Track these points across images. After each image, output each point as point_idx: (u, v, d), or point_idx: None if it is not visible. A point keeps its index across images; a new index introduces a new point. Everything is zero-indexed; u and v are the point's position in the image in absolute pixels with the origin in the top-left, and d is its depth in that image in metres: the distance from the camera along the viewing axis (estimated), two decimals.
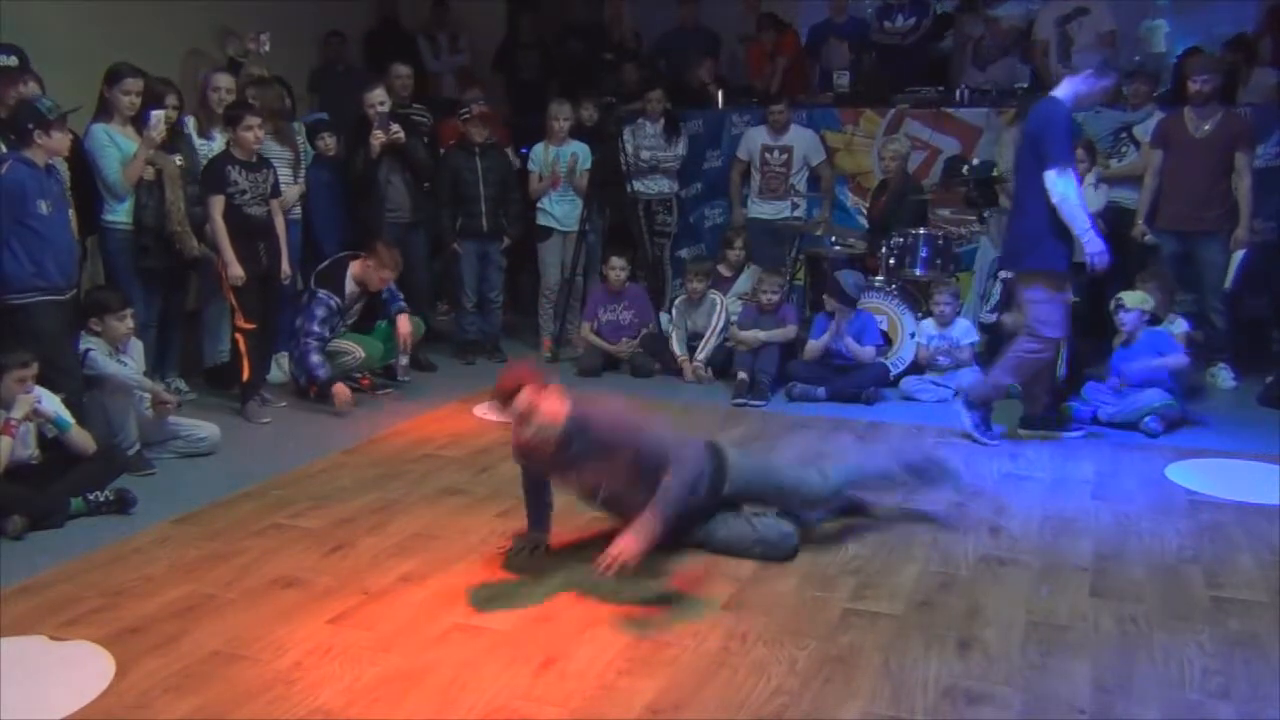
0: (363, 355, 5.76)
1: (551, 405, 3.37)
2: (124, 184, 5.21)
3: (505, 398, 3.36)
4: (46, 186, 4.44)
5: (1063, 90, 4.78)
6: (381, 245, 5.87)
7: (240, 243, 5.30)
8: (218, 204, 5.27)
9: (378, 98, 6.25)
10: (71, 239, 4.68)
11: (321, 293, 5.70)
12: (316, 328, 5.62)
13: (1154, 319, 5.43)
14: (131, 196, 5.28)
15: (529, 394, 3.33)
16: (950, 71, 7.89)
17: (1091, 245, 4.71)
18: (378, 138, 6.17)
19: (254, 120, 5.35)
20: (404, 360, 5.97)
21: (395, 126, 6.23)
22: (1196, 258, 6.05)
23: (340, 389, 5.56)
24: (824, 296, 6.00)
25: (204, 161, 5.69)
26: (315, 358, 5.60)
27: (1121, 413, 5.22)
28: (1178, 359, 5.26)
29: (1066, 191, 4.66)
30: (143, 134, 5.23)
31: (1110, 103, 6.74)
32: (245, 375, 5.45)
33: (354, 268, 5.80)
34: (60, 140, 4.50)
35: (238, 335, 5.44)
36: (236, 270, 5.27)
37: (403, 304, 5.97)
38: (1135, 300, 5.34)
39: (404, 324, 5.89)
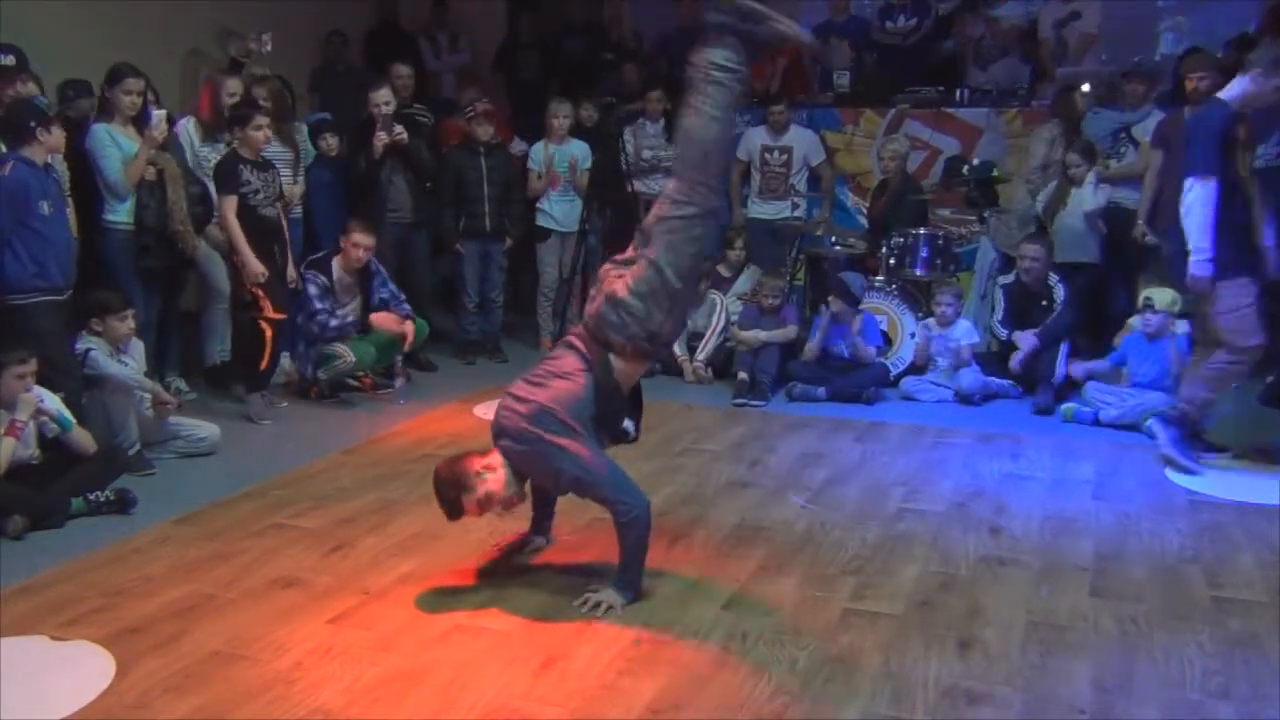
0: (354, 360, 5.72)
1: (491, 486, 3.22)
2: (125, 184, 5.21)
3: (454, 510, 3.25)
4: (47, 186, 4.45)
5: (1231, 90, 4.52)
6: (353, 220, 5.88)
7: (255, 243, 5.27)
8: (231, 204, 5.23)
9: (383, 98, 6.24)
10: (70, 237, 4.69)
11: (308, 273, 5.73)
12: (318, 304, 5.66)
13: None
14: (133, 196, 5.28)
15: (469, 502, 3.22)
16: (957, 72, 7.88)
17: (1198, 269, 4.46)
18: (380, 139, 6.17)
19: (263, 120, 5.34)
20: (399, 382, 5.97)
21: (399, 128, 6.23)
22: None
23: (341, 349, 5.68)
24: (830, 298, 5.98)
25: (203, 163, 5.69)
26: (323, 317, 5.67)
27: (1124, 416, 5.23)
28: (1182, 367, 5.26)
29: (1194, 203, 4.46)
30: (144, 134, 5.23)
31: (1109, 102, 6.74)
32: (264, 363, 5.46)
33: (338, 258, 5.80)
34: (59, 137, 4.52)
35: (264, 324, 5.39)
36: (257, 267, 5.25)
37: (407, 309, 5.93)
38: (1165, 302, 5.31)
39: (409, 326, 5.89)
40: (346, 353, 5.73)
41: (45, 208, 4.39)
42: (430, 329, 6.46)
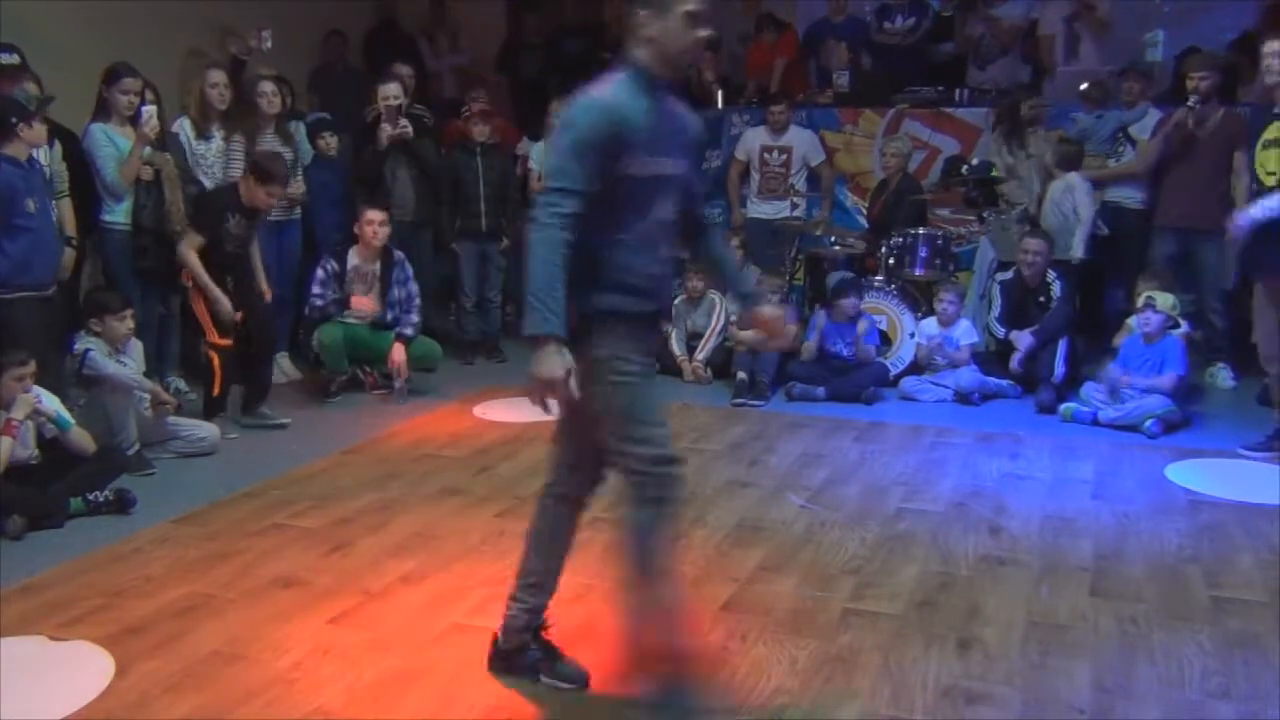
0: (369, 314, 5.81)
1: None
2: (121, 183, 5.21)
3: None
4: (32, 183, 4.43)
5: None
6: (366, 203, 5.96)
7: (210, 275, 5.10)
8: (195, 243, 5.04)
9: (393, 91, 6.28)
10: (54, 236, 4.65)
11: (322, 259, 5.78)
12: (316, 288, 5.72)
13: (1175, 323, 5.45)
14: (130, 197, 5.27)
15: None
16: (956, 72, 7.89)
17: None
18: (385, 130, 6.20)
19: (277, 189, 5.23)
20: (398, 384, 5.86)
21: (404, 121, 6.26)
22: (1195, 258, 6.06)
23: (359, 300, 5.75)
24: (841, 302, 5.97)
25: (199, 160, 5.67)
26: (319, 300, 5.76)
27: (1123, 417, 5.23)
28: (1173, 380, 5.26)
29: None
30: (136, 131, 5.23)
31: (1100, 103, 6.76)
32: (216, 389, 5.24)
33: (357, 245, 5.86)
34: (39, 131, 4.49)
35: (211, 352, 5.21)
36: (228, 307, 5.07)
37: (408, 330, 5.85)
38: (1166, 304, 5.34)
39: (398, 352, 5.77)
40: (367, 307, 5.80)
41: (31, 205, 4.37)
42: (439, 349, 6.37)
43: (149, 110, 5.24)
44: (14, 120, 4.36)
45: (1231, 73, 6.61)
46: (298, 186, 6.10)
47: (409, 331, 5.85)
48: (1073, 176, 6.27)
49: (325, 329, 5.75)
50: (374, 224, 5.76)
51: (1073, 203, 6.20)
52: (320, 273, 5.73)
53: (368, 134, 6.39)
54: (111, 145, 5.22)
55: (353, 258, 5.80)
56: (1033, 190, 6.59)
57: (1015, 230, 6.53)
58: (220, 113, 5.80)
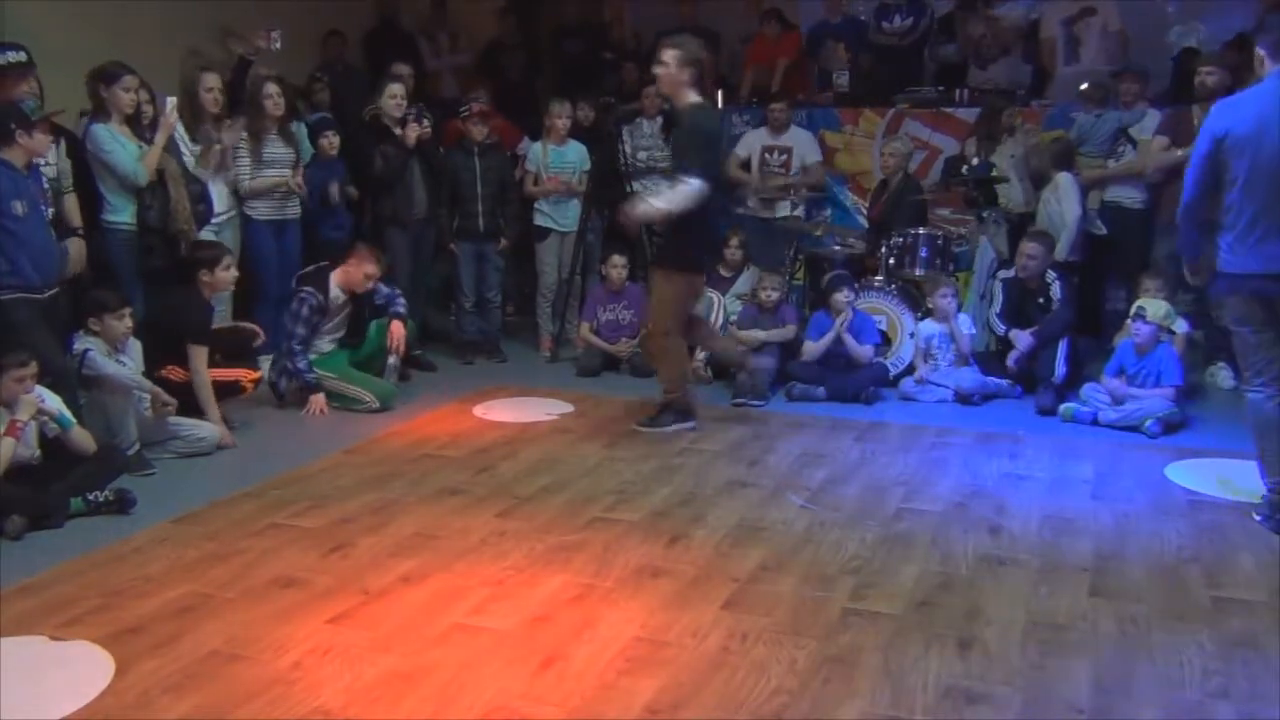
0: (377, 404, 5.60)
1: None
2: (145, 172, 5.16)
3: None
4: (23, 187, 4.40)
5: None
6: (362, 244, 5.85)
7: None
8: (201, 354, 5.00)
9: (400, 91, 6.31)
10: (50, 240, 4.61)
11: (303, 290, 5.61)
12: (300, 329, 5.55)
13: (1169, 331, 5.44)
14: (134, 199, 5.26)
15: None
16: (957, 72, 7.88)
17: None
18: (413, 129, 6.22)
19: (231, 261, 5.28)
20: (392, 360, 5.83)
21: (426, 121, 6.31)
22: None
23: (318, 398, 5.56)
24: (835, 296, 5.96)
25: (195, 160, 5.67)
26: (302, 361, 5.59)
27: (1123, 418, 5.22)
28: (1170, 394, 5.25)
29: None
30: (159, 119, 5.25)
31: (1100, 103, 6.76)
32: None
33: (336, 275, 5.68)
34: (41, 141, 4.47)
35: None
36: (226, 434, 5.02)
37: (403, 310, 5.88)
38: (1158, 313, 5.32)
39: (398, 327, 5.79)
40: (371, 399, 5.61)
41: (18, 208, 4.33)
42: (420, 328, 6.42)
43: (172, 100, 5.27)
44: (13, 127, 4.36)
45: (1234, 71, 6.61)
46: (299, 186, 6.10)
47: (404, 310, 5.89)
48: (1060, 177, 6.26)
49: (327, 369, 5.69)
50: (371, 279, 5.69)
51: (1058, 204, 6.20)
52: (305, 309, 5.53)
53: (368, 134, 6.37)
54: (117, 142, 5.20)
55: (334, 289, 5.66)
56: (1014, 191, 6.62)
57: (993, 229, 6.56)
58: (213, 115, 5.80)
